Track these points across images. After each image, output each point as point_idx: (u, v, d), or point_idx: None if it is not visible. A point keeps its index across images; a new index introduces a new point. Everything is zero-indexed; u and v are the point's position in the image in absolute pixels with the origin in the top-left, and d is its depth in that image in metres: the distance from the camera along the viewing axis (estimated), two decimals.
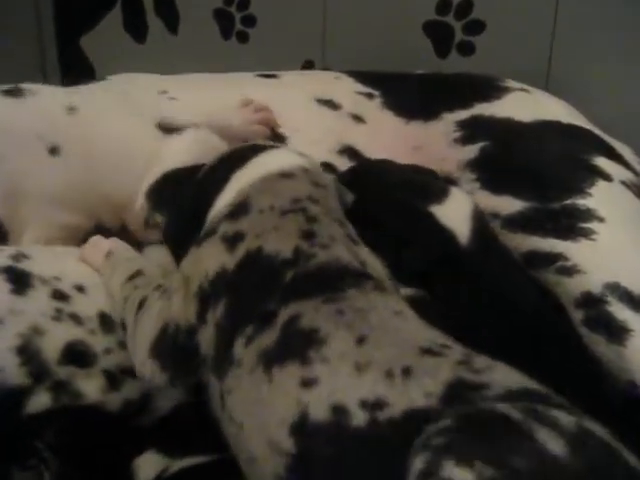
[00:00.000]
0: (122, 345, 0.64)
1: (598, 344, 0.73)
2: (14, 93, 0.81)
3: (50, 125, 0.80)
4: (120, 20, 1.43)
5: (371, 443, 0.44)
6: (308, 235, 0.58)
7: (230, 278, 0.57)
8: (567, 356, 0.73)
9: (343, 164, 0.94)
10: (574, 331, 0.75)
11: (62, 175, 0.78)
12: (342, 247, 0.59)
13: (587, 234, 0.79)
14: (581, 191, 0.83)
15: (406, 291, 0.71)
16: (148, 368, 0.59)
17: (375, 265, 0.61)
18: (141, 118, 0.86)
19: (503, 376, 0.47)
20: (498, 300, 0.74)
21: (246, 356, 0.52)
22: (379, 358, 0.48)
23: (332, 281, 0.55)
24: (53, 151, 0.79)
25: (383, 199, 0.79)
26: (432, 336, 0.52)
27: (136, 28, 1.42)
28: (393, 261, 0.73)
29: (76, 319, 0.64)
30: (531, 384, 0.47)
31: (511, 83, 1.04)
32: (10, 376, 0.59)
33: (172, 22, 1.39)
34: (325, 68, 1.28)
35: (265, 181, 0.63)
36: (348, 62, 1.17)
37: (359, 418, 0.45)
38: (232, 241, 0.58)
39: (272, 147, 0.70)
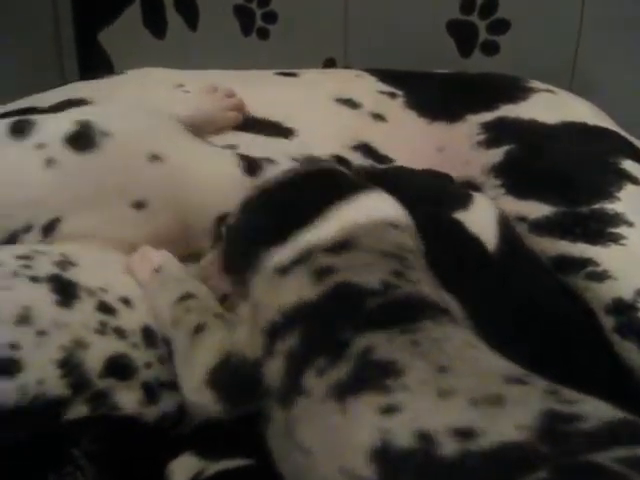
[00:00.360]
0: (162, 360, 0.64)
1: (630, 351, 0.72)
2: (84, 142, 0.71)
3: (133, 179, 0.72)
4: (139, 15, 1.42)
5: (462, 475, 0.42)
6: (398, 274, 0.57)
7: (309, 308, 0.55)
8: (597, 363, 0.73)
9: (357, 159, 0.93)
10: (605, 338, 0.74)
11: (146, 227, 0.72)
12: (427, 286, 0.58)
13: (617, 239, 0.78)
14: (610, 195, 0.82)
15: None
16: (203, 397, 0.57)
17: (455, 307, 0.60)
18: (227, 155, 0.81)
19: (594, 407, 0.44)
20: (527, 305, 0.73)
21: (317, 387, 0.50)
22: (462, 386, 0.46)
23: (410, 312, 0.54)
24: (138, 205, 0.72)
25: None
26: (512, 367, 0.50)
27: (155, 24, 1.41)
28: None
29: (120, 333, 0.63)
30: (621, 415, 0.44)
31: (536, 84, 1.02)
32: (50, 388, 0.58)
33: (192, 18, 1.38)
34: (346, 66, 1.27)
35: (375, 226, 0.61)
36: (370, 60, 1.16)
37: (448, 447, 0.43)
38: (321, 274, 0.56)
39: (371, 188, 0.66)
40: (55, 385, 0.58)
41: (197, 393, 0.58)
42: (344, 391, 0.48)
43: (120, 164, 0.72)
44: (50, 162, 0.70)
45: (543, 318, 0.73)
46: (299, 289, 0.56)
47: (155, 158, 0.73)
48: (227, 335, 0.58)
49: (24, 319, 0.59)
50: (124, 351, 0.62)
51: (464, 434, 0.43)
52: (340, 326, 0.53)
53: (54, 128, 0.72)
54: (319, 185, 0.66)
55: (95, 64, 1.48)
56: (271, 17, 1.31)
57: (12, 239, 0.68)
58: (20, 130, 0.71)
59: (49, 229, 0.69)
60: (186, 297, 0.64)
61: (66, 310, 0.61)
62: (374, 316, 0.53)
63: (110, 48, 1.47)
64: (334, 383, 0.49)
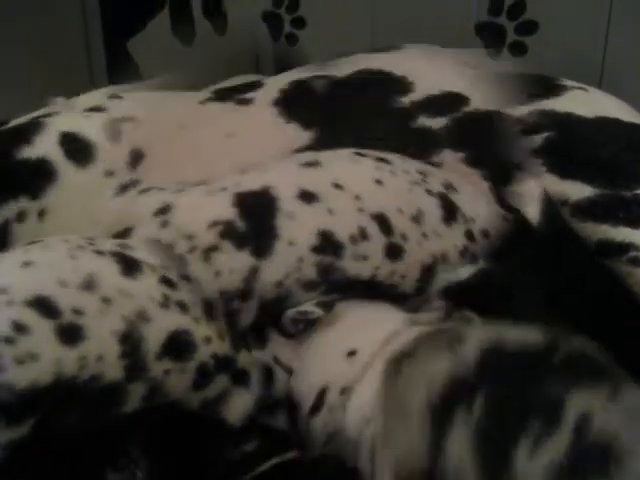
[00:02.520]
0: (221, 334, 0.64)
1: None
2: None
3: None
4: (168, 23, 1.44)
5: None
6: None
7: (474, 380, 0.48)
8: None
9: None
10: None
11: None
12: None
13: None
14: None
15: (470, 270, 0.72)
16: None
17: None
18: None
19: None
20: (571, 283, 0.74)
21: (530, 471, 0.43)
22: None
23: (605, 368, 0.49)
24: None
25: None
26: None
27: (184, 31, 1.43)
28: None
29: (182, 306, 0.63)
30: None
31: (568, 82, 1.03)
32: (108, 368, 0.58)
33: (220, 25, 1.40)
34: None
35: None
36: None
37: None
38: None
39: None
40: (113, 365, 0.58)
41: None
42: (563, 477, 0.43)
43: None
44: None
45: (588, 298, 0.73)
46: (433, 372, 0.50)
47: None
48: None
49: (89, 285, 0.60)
50: (186, 326, 0.62)
51: None
52: (543, 378, 0.46)
53: None
54: None
55: (124, 73, 1.49)
56: (300, 23, 1.33)
57: None
58: None
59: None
60: None
61: (130, 280, 0.62)
62: (573, 370, 0.48)
63: (139, 56, 1.49)
64: (552, 465, 0.43)
